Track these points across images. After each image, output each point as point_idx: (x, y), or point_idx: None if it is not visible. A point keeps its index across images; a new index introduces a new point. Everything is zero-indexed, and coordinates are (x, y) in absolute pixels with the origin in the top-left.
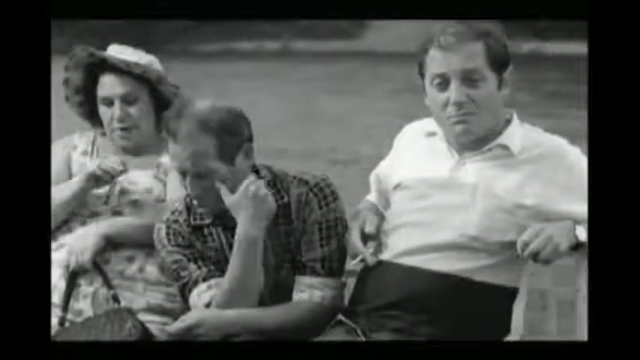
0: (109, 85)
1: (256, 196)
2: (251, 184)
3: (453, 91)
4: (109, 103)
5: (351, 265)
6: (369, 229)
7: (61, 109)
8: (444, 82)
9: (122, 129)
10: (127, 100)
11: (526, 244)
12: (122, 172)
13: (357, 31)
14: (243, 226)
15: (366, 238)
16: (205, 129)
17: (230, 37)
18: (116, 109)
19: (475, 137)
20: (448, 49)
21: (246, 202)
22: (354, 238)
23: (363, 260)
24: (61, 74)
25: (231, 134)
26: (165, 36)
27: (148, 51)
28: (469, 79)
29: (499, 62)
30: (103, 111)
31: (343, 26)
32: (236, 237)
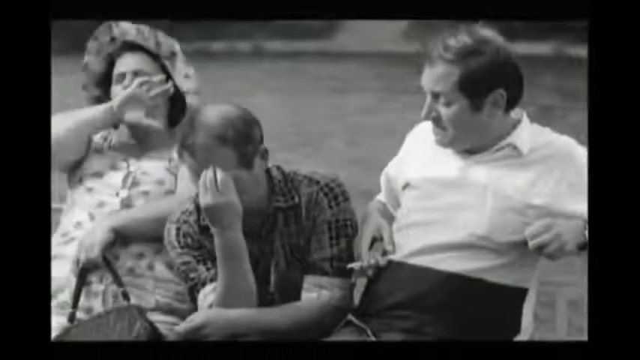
0: (124, 63)
1: (206, 209)
2: (203, 198)
3: (425, 106)
4: (123, 77)
5: (347, 267)
6: (389, 247)
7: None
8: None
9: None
10: (140, 75)
11: (534, 236)
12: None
13: (329, 31)
14: (216, 237)
15: (373, 242)
16: (222, 142)
17: (204, 38)
18: (126, 81)
19: (461, 149)
20: (429, 64)
21: (205, 214)
22: (363, 245)
23: (362, 269)
24: (60, 75)
25: (247, 142)
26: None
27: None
28: (438, 98)
29: (476, 88)
30: (116, 90)
31: (316, 26)
32: (216, 246)
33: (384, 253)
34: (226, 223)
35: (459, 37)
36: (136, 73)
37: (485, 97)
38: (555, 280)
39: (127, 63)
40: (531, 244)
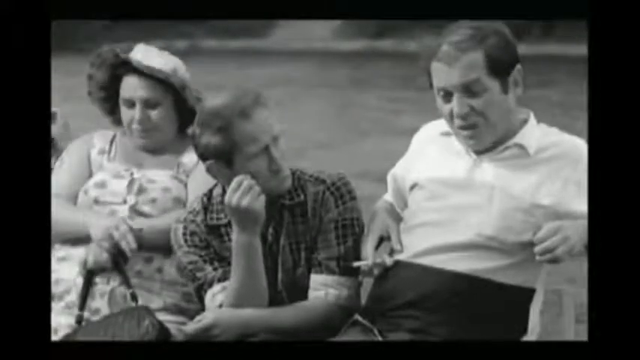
0: (131, 86)
1: (238, 208)
2: (232, 197)
3: (456, 104)
4: (131, 104)
5: (354, 265)
6: (397, 247)
7: (78, 108)
8: (447, 95)
9: (142, 131)
10: (149, 104)
11: (541, 241)
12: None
13: (265, 29)
14: (234, 233)
15: (381, 241)
16: (256, 143)
17: (142, 37)
18: (137, 112)
19: (488, 144)
20: (447, 63)
21: (230, 212)
22: (370, 244)
23: (368, 268)
24: (60, 75)
25: (275, 138)
26: (84, 36)
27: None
28: (470, 90)
29: (502, 66)
30: (124, 111)
31: (252, 25)
32: (232, 243)
33: (392, 252)
34: (250, 226)
35: (460, 31)
36: (146, 102)
37: (508, 75)
38: (563, 280)
39: (134, 87)
40: (539, 248)
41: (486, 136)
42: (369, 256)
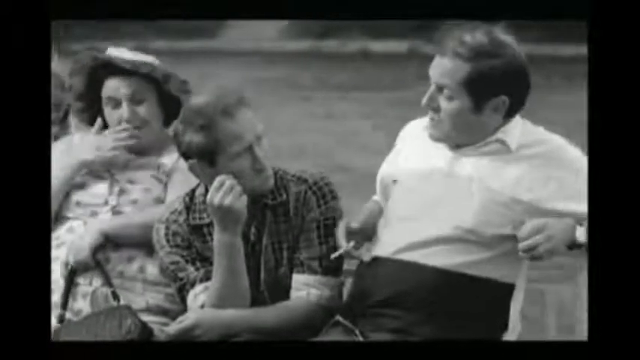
0: (114, 86)
1: (221, 207)
2: (214, 197)
3: (426, 95)
4: (116, 103)
5: (331, 257)
6: (353, 225)
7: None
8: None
9: (131, 129)
10: (135, 100)
11: (524, 239)
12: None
13: (217, 29)
14: (216, 233)
15: (353, 233)
16: (240, 142)
17: (92, 37)
18: (125, 110)
19: (446, 144)
20: (439, 55)
21: (211, 211)
22: (339, 232)
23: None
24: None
25: (258, 138)
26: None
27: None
28: (441, 90)
29: (482, 89)
30: (109, 113)
31: (203, 25)
32: (214, 242)
33: (369, 248)
34: (232, 226)
35: (477, 35)
36: (132, 99)
37: (488, 100)
38: (544, 277)
39: (118, 86)
40: (522, 245)
41: (450, 139)
42: (339, 242)
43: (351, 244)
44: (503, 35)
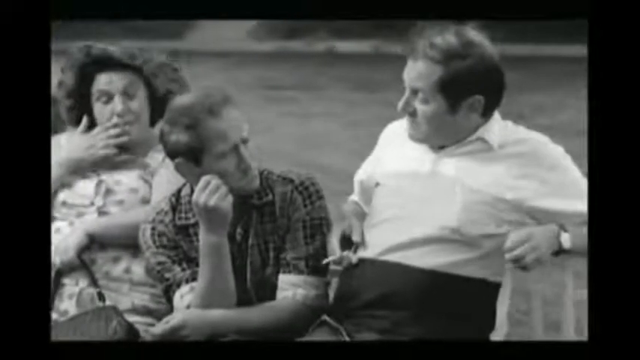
0: (106, 80)
1: (206, 207)
2: (199, 197)
3: (402, 100)
4: (109, 98)
5: (323, 262)
6: (356, 238)
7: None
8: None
9: (123, 124)
10: (127, 94)
11: (510, 250)
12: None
13: (182, 30)
14: (202, 233)
15: (349, 242)
16: (226, 142)
17: (61, 37)
18: (117, 104)
19: (428, 145)
20: (412, 59)
21: (197, 211)
22: (335, 241)
23: (337, 262)
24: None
25: (244, 138)
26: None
27: None
28: (416, 95)
29: (459, 89)
30: (100, 108)
31: (170, 26)
32: (200, 242)
33: (356, 250)
34: (217, 226)
35: (446, 37)
36: (125, 93)
37: (463, 100)
38: (530, 276)
39: (110, 80)
40: (508, 256)
41: (429, 140)
42: (336, 250)
43: (346, 253)
44: (473, 34)
